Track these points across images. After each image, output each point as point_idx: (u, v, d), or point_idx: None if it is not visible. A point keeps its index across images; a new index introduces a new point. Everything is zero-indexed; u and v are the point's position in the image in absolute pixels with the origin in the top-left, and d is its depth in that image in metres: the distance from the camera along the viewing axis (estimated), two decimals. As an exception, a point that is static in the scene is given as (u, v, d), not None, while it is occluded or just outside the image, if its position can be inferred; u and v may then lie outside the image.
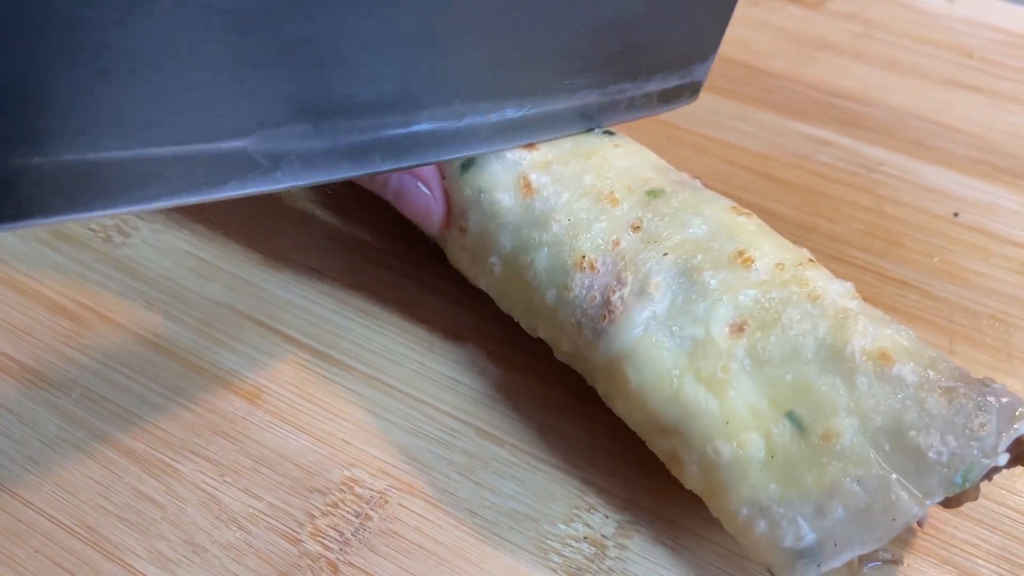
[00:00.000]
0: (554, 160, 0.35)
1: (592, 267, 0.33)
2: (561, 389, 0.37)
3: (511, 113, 0.34)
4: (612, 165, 0.36)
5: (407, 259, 0.41)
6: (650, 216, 0.34)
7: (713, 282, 0.31)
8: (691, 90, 0.41)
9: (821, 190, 0.45)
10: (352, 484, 0.34)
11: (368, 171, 0.30)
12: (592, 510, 0.33)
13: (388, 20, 0.28)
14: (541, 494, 0.34)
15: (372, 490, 0.34)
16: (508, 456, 0.35)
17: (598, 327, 0.32)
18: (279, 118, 0.27)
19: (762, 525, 0.29)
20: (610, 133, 0.38)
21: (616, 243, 0.33)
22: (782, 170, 0.46)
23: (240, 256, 0.41)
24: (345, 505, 0.33)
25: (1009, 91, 0.51)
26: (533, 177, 0.35)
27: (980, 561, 0.32)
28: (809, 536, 0.28)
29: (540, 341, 0.36)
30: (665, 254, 0.32)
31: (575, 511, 0.33)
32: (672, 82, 0.39)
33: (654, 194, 0.35)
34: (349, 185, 0.41)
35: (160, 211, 0.43)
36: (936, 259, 0.42)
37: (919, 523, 0.32)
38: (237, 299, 0.39)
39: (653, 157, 0.37)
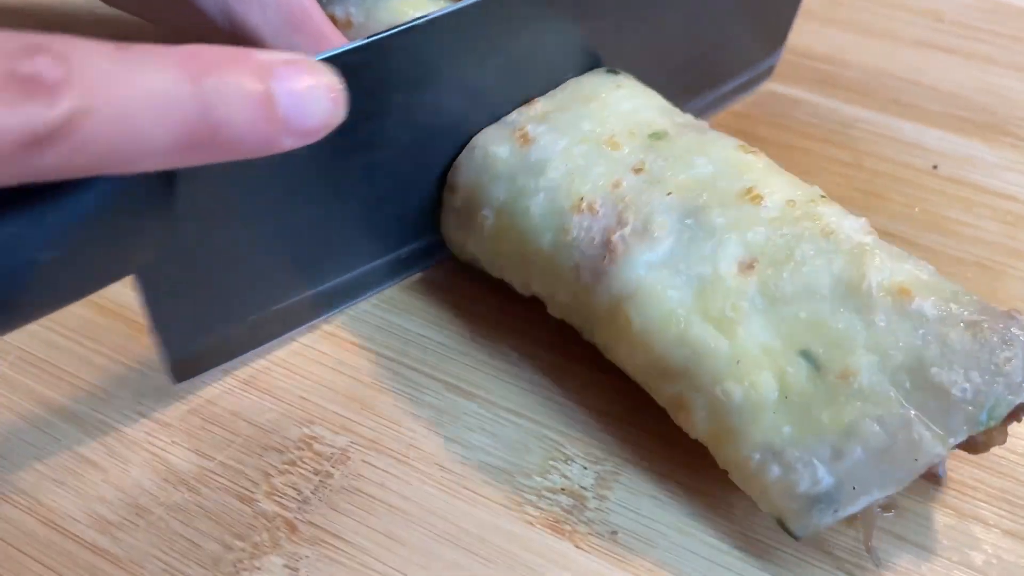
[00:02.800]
0: (553, 109, 0.34)
1: (592, 209, 0.31)
2: (535, 344, 0.35)
3: None
4: (613, 109, 0.34)
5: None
6: (653, 158, 0.32)
7: (720, 220, 0.30)
8: (766, 74, 0.47)
9: (798, 146, 0.44)
10: (311, 441, 0.31)
11: None
12: (569, 461, 0.31)
13: None
14: (515, 447, 0.31)
15: (333, 447, 0.31)
16: (478, 409, 0.32)
17: (598, 268, 0.30)
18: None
19: (775, 471, 0.27)
20: (614, 72, 0.36)
21: (617, 184, 0.31)
22: (758, 127, 0.45)
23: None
24: (304, 463, 0.31)
25: (984, 52, 0.50)
26: (530, 128, 0.33)
27: (980, 503, 0.30)
28: (826, 480, 0.26)
29: (507, 292, 0.34)
30: (669, 193, 0.30)
31: (551, 463, 0.31)
32: (747, 77, 0.46)
33: (657, 136, 0.33)
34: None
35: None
36: (917, 210, 0.41)
37: (939, 479, 0.31)
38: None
39: (658, 98, 0.35)
